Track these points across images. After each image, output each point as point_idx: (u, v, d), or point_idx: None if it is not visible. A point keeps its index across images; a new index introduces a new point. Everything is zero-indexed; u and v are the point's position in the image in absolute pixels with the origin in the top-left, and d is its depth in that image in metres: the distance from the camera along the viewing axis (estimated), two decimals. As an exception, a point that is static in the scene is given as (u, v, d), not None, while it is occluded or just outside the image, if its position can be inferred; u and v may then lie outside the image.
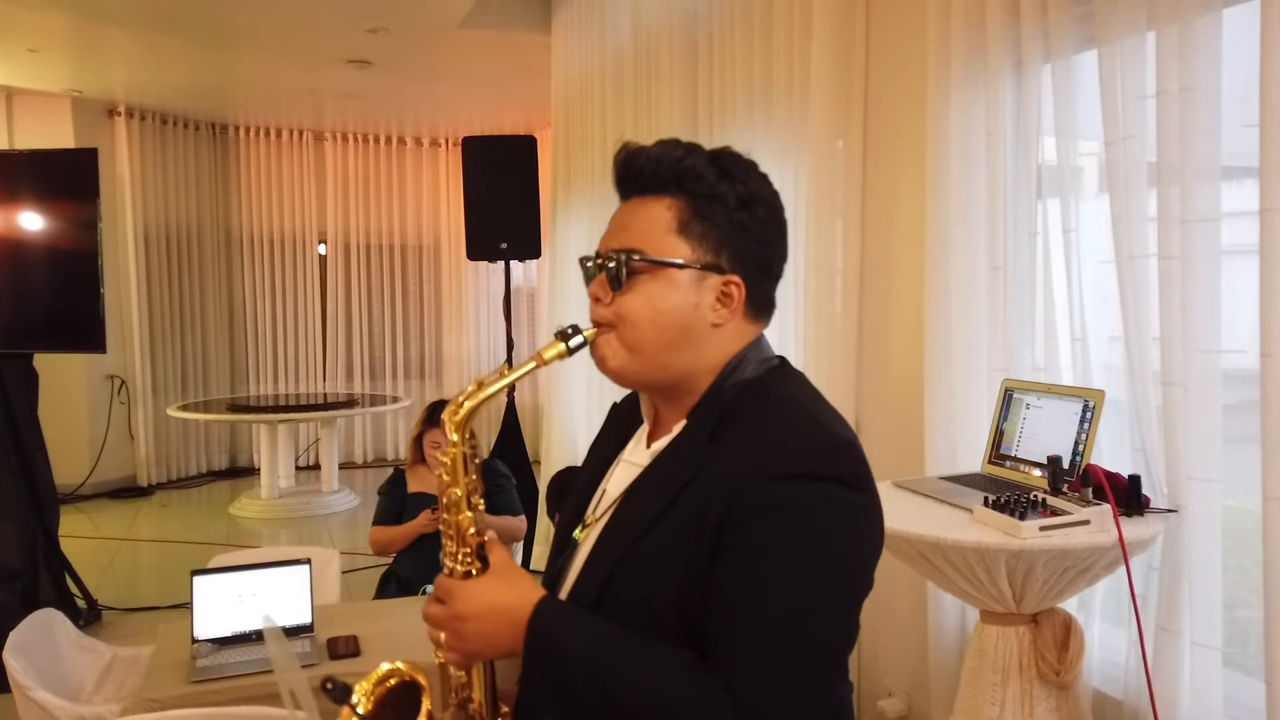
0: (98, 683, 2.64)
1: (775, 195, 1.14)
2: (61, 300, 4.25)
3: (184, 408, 6.95)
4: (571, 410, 4.96)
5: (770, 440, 1.03)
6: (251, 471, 7.88)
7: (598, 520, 1.14)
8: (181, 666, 2.35)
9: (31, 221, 4.24)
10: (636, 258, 1.08)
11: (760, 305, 1.13)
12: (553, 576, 1.18)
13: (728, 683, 0.94)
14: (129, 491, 7.34)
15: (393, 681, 1.13)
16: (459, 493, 1.09)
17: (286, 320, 8.34)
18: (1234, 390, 1.76)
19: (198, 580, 2.51)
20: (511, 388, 6.00)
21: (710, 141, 3.70)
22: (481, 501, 1.11)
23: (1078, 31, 2.03)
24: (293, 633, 2.51)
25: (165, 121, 7.62)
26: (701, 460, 1.04)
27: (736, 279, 1.09)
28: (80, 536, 5.88)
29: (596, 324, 1.11)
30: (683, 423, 1.11)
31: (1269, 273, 1.56)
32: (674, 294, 1.08)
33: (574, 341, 1.09)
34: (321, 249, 8.44)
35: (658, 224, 1.09)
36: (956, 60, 2.30)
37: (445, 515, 1.09)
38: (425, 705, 1.11)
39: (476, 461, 1.11)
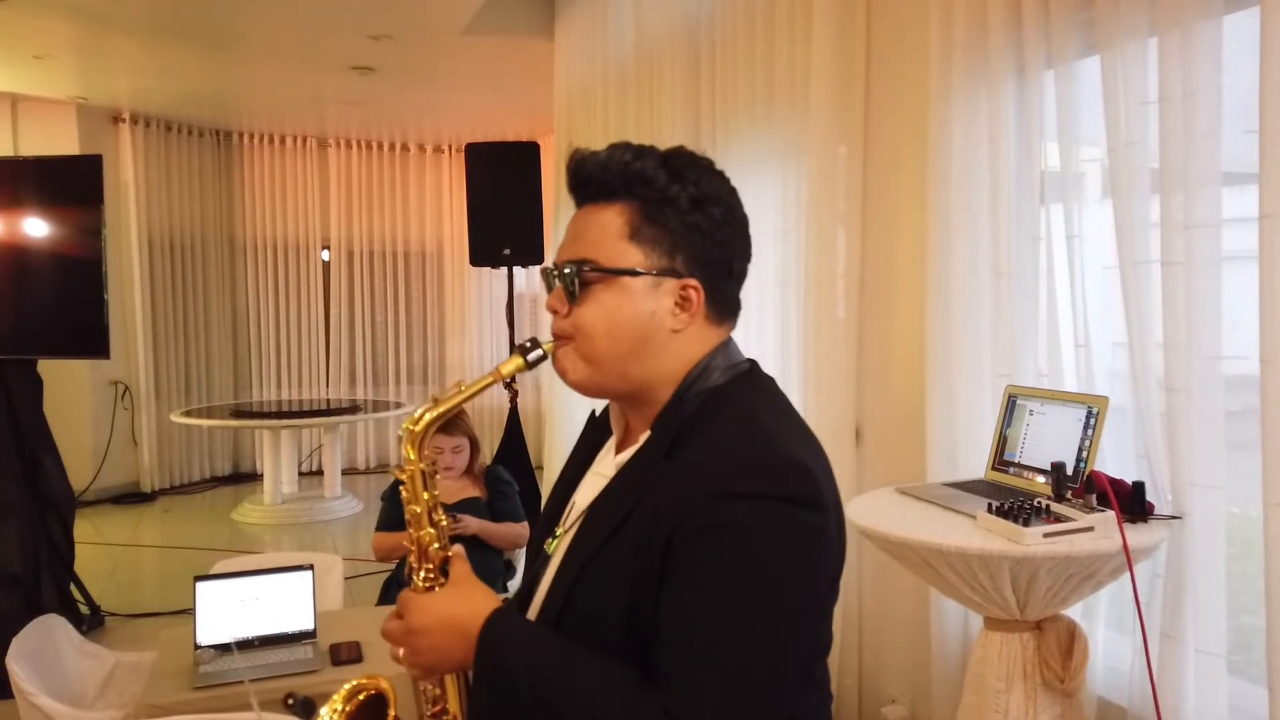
0: (100, 689, 2.64)
1: (731, 193, 1.12)
2: (66, 306, 4.26)
3: (187, 414, 6.95)
4: (574, 416, 4.96)
5: (717, 457, 1.01)
6: (254, 477, 7.88)
7: (566, 532, 1.14)
8: (184, 672, 2.35)
9: (36, 227, 4.25)
10: (588, 268, 1.06)
11: (723, 308, 1.12)
12: (527, 587, 1.17)
13: (666, 704, 0.93)
14: (132, 497, 7.35)
15: (361, 696, 1.13)
16: (419, 509, 1.09)
17: (290, 326, 8.35)
18: (1237, 396, 1.76)
19: (200, 586, 2.51)
20: (514, 394, 5.97)
21: (714, 147, 3.71)
22: (444, 518, 1.11)
23: (1080, 37, 2.03)
24: (295, 638, 2.51)
25: (169, 128, 7.64)
26: (656, 476, 1.03)
27: (694, 282, 1.08)
28: (83, 542, 5.85)
29: (556, 336, 1.10)
30: (647, 433, 1.10)
31: (1269, 279, 1.56)
32: (629, 302, 1.06)
33: (532, 355, 1.09)
34: (325, 255, 8.46)
35: (609, 231, 1.07)
36: (958, 66, 2.30)
37: (410, 531, 1.10)
38: (390, 715, 1.12)
39: (436, 477, 1.11)
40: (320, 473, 7.43)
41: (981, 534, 1.76)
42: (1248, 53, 1.60)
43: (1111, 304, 1.99)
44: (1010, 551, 1.67)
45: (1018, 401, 2.12)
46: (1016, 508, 1.77)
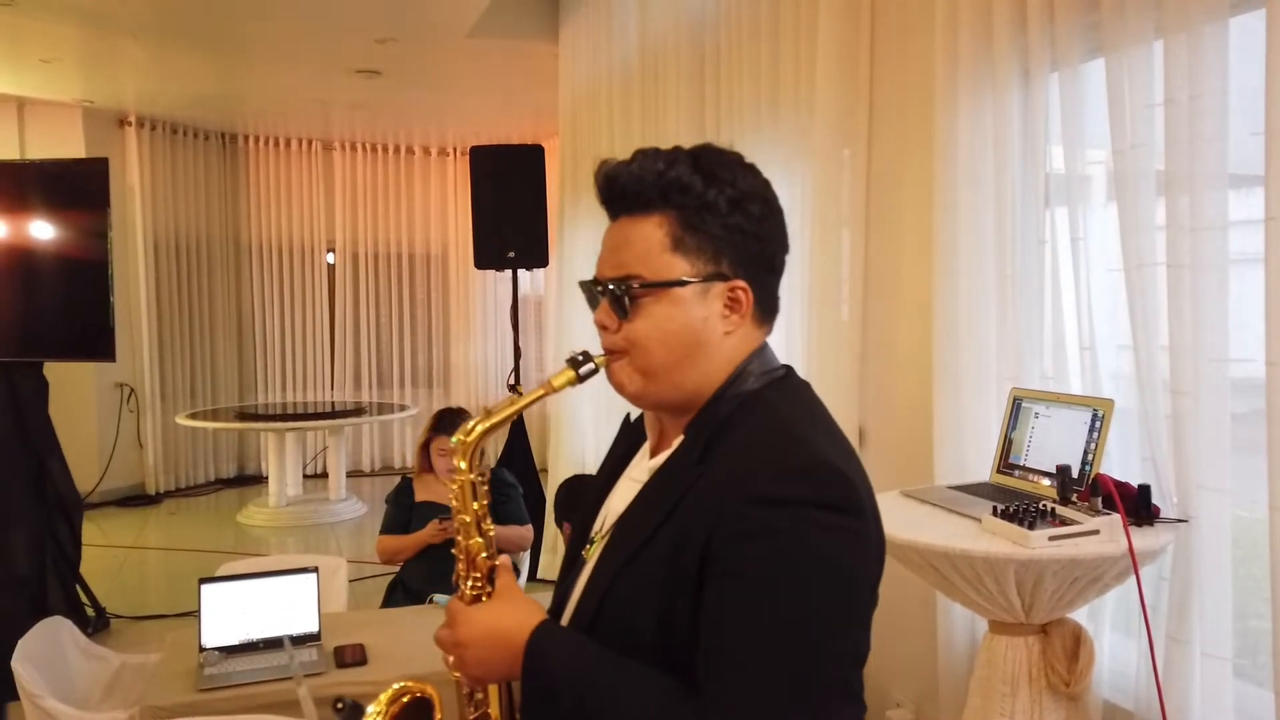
0: (106, 691, 2.65)
1: (766, 185, 1.10)
2: (72, 309, 4.27)
3: (192, 416, 6.97)
4: (579, 418, 4.96)
5: (752, 462, 0.99)
6: (259, 480, 7.90)
7: (601, 538, 1.13)
8: (189, 674, 2.35)
9: (42, 230, 4.26)
10: (637, 284, 1.05)
11: (767, 306, 1.11)
12: (562, 593, 1.17)
13: (705, 712, 0.93)
14: (137, 499, 7.37)
15: (405, 699, 1.15)
16: (468, 519, 1.11)
17: (295, 329, 8.37)
18: (1243, 399, 1.76)
19: (205, 588, 2.51)
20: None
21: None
22: (492, 528, 1.13)
23: (1085, 40, 2.03)
24: (299, 641, 2.51)
25: (175, 131, 7.67)
26: (689, 481, 1.02)
27: (742, 283, 1.06)
28: (89, 544, 5.87)
29: (607, 350, 1.09)
30: (681, 438, 1.09)
31: (1275, 281, 1.55)
32: (680, 312, 1.05)
33: (584, 369, 1.08)
34: (330, 258, 8.48)
35: (651, 244, 1.05)
36: (963, 69, 2.30)
37: (458, 539, 1.12)
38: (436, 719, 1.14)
39: (485, 487, 1.13)
40: (325, 475, 7.44)
41: (987, 537, 1.76)
42: (1253, 55, 1.60)
43: (1117, 307, 1.99)
44: (1015, 555, 1.67)
45: (1023, 404, 2.12)
46: (1022, 511, 1.76)
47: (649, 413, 1.17)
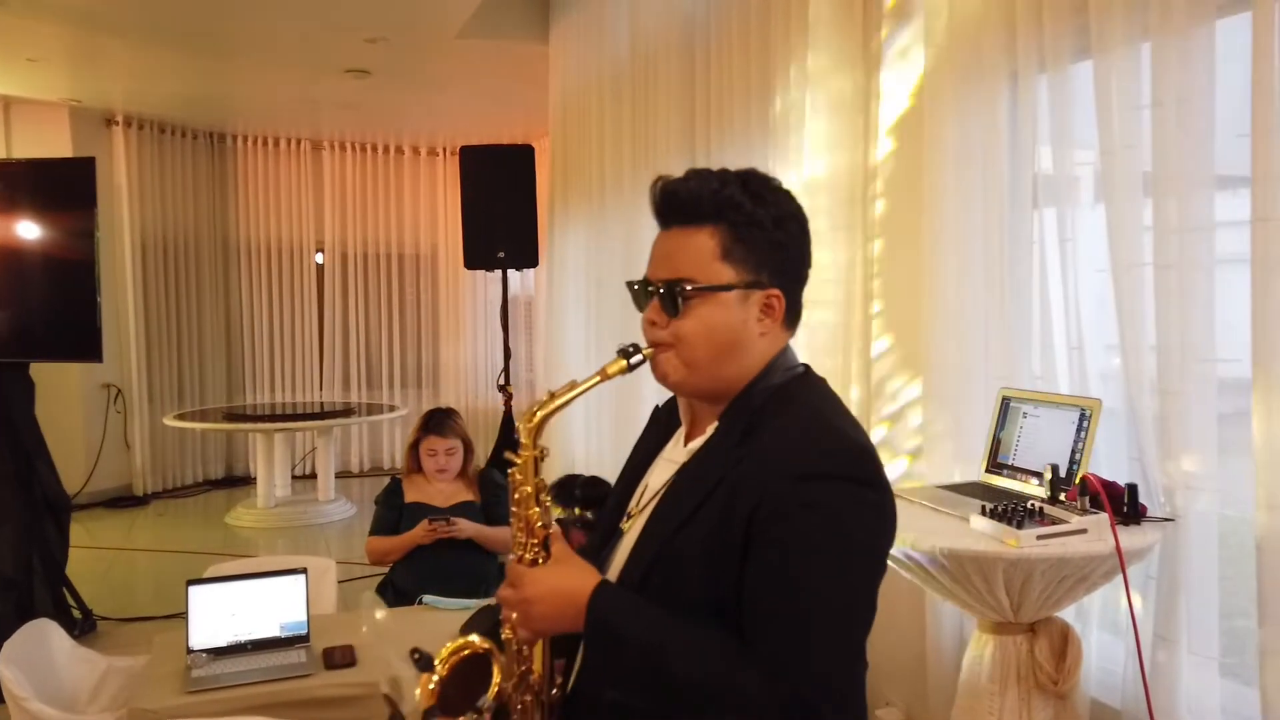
0: (93, 693, 2.63)
1: (800, 209, 1.26)
2: (58, 309, 4.24)
3: (180, 417, 6.93)
4: (570, 418, 4.95)
5: (794, 445, 1.14)
6: (248, 481, 7.86)
7: (641, 511, 1.27)
8: (177, 677, 2.34)
9: (29, 230, 4.23)
10: (690, 287, 1.19)
11: (795, 313, 1.27)
12: (599, 564, 1.29)
13: (767, 670, 1.05)
14: (125, 501, 7.32)
15: (466, 652, 1.26)
16: (529, 490, 1.24)
17: (283, 329, 8.34)
18: (1229, 399, 1.77)
19: (193, 590, 2.50)
20: (509, 396, 5.95)
21: (708, 152, 3.70)
22: (549, 498, 1.25)
23: (1073, 42, 2.04)
24: (287, 642, 2.50)
25: (163, 130, 7.63)
26: (732, 461, 1.16)
27: (777, 292, 1.22)
28: (76, 546, 5.81)
29: (654, 344, 1.23)
30: (715, 424, 1.24)
31: (1260, 281, 1.57)
32: (724, 314, 1.20)
33: (635, 359, 1.22)
34: (319, 258, 8.45)
35: (704, 252, 1.20)
36: (954, 71, 2.31)
37: (515, 510, 1.25)
38: (495, 675, 1.25)
39: (543, 462, 1.26)
40: (314, 476, 7.40)
41: (976, 536, 1.76)
42: (1240, 57, 1.61)
43: (1105, 307, 2.00)
44: (1004, 554, 1.68)
45: (1012, 404, 2.13)
46: (1010, 510, 1.77)
47: (682, 403, 1.33)
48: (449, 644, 1.26)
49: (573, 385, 1.21)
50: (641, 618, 1.13)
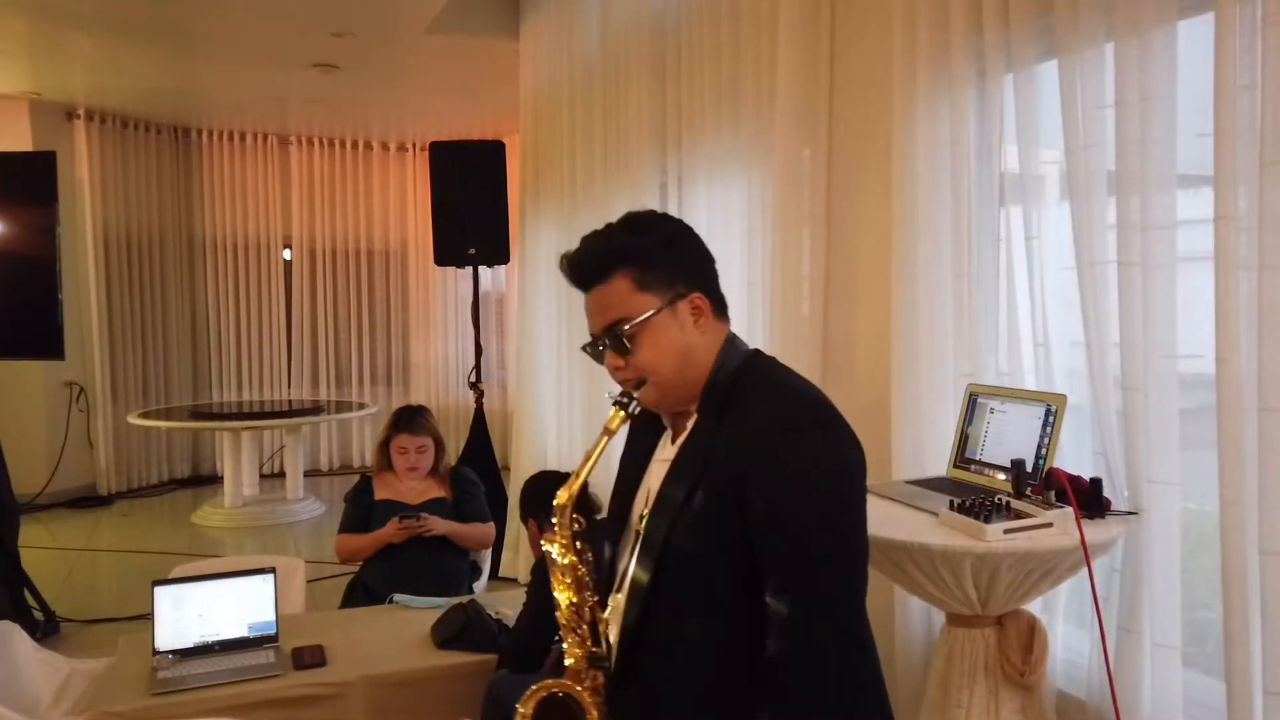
0: (56, 696, 2.59)
1: (682, 223, 1.45)
2: (19, 306, 4.17)
3: (145, 415, 6.83)
4: (541, 416, 4.94)
5: (764, 410, 1.33)
6: (215, 480, 7.77)
7: (645, 507, 1.41)
8: (142, 679, 2.31)
9: (-12, 226, 4.16)
10: (627, 326, 1.35)
11: (719, 304, 1.44)
12: (610, 566, 1.46)
13: (780, 613, 1.23)
14: (88, 501, 7.21)
15: (542, 695, 1.35)
16: (572, 561, 1.37)
17: (251, 326, 8.24)
18: (1192, 394, 1.80)
19: (159, 590, 2.47)
20: (480, 394, 5.92)
21: (679, 150, 3.71)
22: (590, 575, 1.39)
23: (1039, 42, 2.06)
24: (255, 643, 2.48)
25: (126, 125, 7.51)
26: (714, 439, 1.33)
27: (696, 294, 1.40)
28: (38, 547, 5.76)
29: (625, 382, 1.39)
30: (694, 417, 1.40)
31: (1222, 279, 1.59)
32: (665, 333, 1.37)
33: (632, 407, 1.37)
34: (286, 254, 8.36)
35: (623, 294, 1.37)
36: (921, 70, 2.32)
37: (560, 590, 1.37)
38: (589, 711, 1.35)
39: (581, 534, 1.38)
40: (282, 475, 7.33)
41: (944, 531, 1.78)
42: (1202, 58, 1.63)
43: (1070, 304, 2.03)
44: (972, 548, 1.70)
45: (979, 400, 2.15)
46: (978, 505, 1.79)
47: (664, 414, 1.46)
48: (525, 696, 1.34)
49: (587, 456, 1.35)
50: None
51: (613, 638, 1.41)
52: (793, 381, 1.40)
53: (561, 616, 1.38)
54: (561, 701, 1.35)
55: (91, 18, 5.07)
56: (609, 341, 1.37)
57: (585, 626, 1.37)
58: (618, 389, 1.40)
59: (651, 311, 1.36)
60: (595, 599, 1.39)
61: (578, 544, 1.37)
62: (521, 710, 1.34)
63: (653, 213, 1.45)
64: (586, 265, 1.39)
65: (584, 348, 1.43)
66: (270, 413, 7.10)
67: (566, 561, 1.37)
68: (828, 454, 1.30)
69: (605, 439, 1.36)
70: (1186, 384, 1.79)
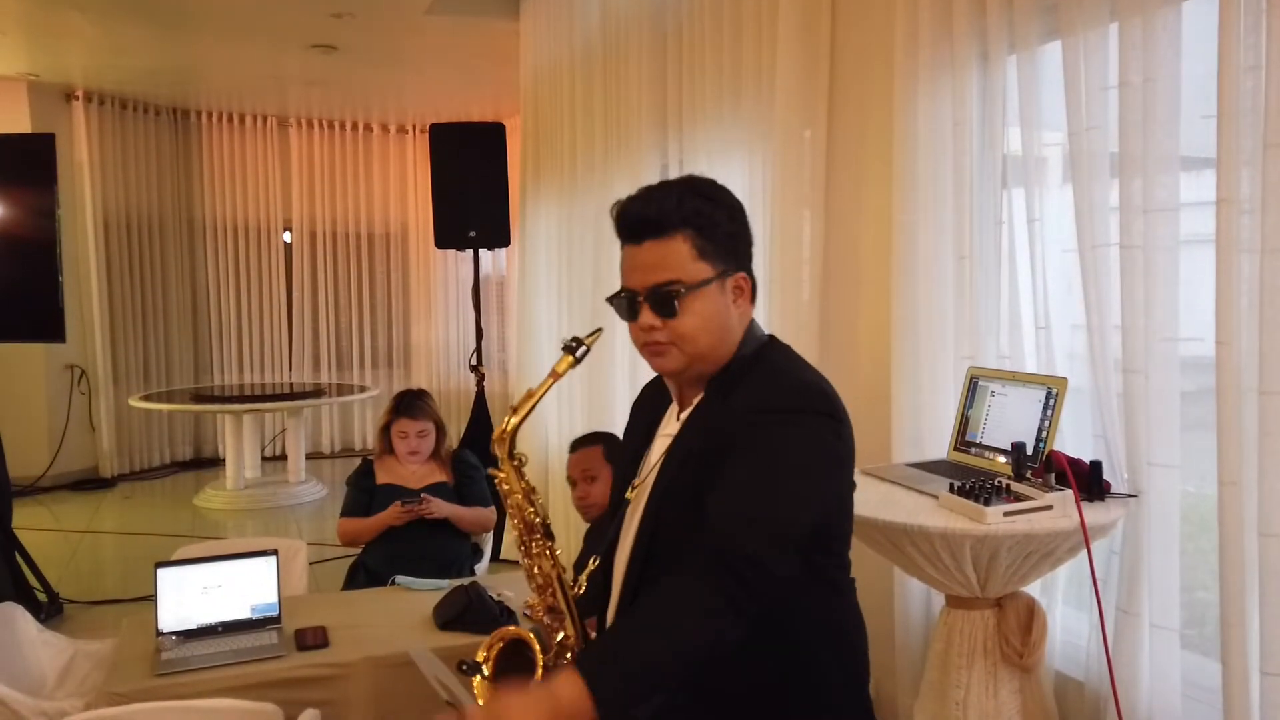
0: (60, 677, 2.61)
1: (738, 200, 1.44)
2: (19, 289, 4.17)
3: (147, 398, 6.84)
4: (542, 402, 4.93)
5: (765, 390, 1.35)
6: (217, 462, 7.79)
7: (644, 481, 1.45)
8: (146, 660, 2.32)
9: (-13, 208, 4.15)
10: (681, 289, 1.34)
11: (755, 288, 1.45)
12: (611, 536, 1.49)
13: (714, 544, 1.20)
14: (90, 483, 7.23)
15: (500, 643, 1.39)
16: (519, 496, 1.43)
17: (251, 309, 8.24)
18: (1192, 377, 1.80)
19: (161, 572, 2.48)
20: (481, 377, 5.94)
21: (680, 131, 3.69)
22: (536, 492, 1.46)
23: (1042, 23, 2.05)
24: (258, 624, 2.49)
25: (125, 106, 7.48)
26: (718, 415, 1.35)
27: (744, 274, 1.41)
28: (41, 529, 5.79)
29: (652, 344, 1.38)
30: (701, 394, 1.42)
31: (1224, 262, 1.59)
32: (711, 303, 1.37)
33: (580, 352, 1.40)
34: (287, 237, 8.34)
35: (682, 256, 1.35)
36: (923, 51, 2.31)
37: (511, 513, 1.42)
38: (538, 656, 1.36)
39: (524, 467, 1.44)
40: (284, 457, 7.35)
41: (944, 513, 1.79)
42: (1206, 39, 1.62)
43: (1071, 287, 2.02)
44: (972, 530, 1.70)
45: (979, 383, 2.15)
46: (978, 487, 1.79)
47: (670, 384, 1.49)
48: (484, 643, 1.37)
49: (530, 395, 1.38)
50: (620, 664, 1.17)
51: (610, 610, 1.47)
52: (796, 370, 1.41)
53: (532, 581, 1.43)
54: (521, 650, 1.39)
55: (89, -2, 5.05)
56: (655, 301, 1.35)
57: (544, 579, 1.42)
58: (582, 346, 1.41)
59: (707, 279, 1.35)
60: (549, 544, 1.43)
61: (524, 482, 1.42)
62: (483, 655, 1.37)
63: (715, 182, 1.43)
64: (649, 217, 1.36)
65: (611, 298, 1.40)
66: (271, 395, 7.11)
67: (517, 496, 1.41)
68: (808, 435, 1.30)
69: (550, 381, 1.40)
70: (1187, 367, 1.79)
